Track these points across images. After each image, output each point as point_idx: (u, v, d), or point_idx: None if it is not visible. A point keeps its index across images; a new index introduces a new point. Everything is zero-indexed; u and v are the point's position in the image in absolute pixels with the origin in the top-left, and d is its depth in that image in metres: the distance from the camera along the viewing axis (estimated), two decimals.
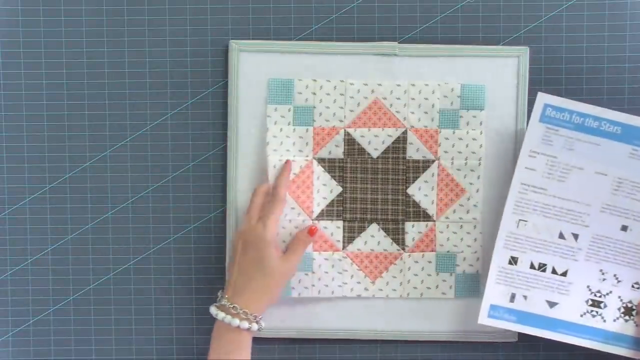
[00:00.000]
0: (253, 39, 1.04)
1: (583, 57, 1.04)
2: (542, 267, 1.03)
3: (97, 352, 1.08)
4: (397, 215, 1.06)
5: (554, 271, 1.03)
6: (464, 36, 1.04)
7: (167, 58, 1.05)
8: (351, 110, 1.04)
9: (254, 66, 1.04)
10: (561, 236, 1.02)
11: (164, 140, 1.06)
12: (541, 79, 1.04)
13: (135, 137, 1.06)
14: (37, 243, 1.07)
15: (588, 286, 1.03)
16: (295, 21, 1.04)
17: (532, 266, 1.03)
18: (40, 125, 1.05)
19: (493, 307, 1.03)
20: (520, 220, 1.02)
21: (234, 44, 1.04)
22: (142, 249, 1.07)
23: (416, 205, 1.05)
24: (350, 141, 1.05)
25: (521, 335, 1.06)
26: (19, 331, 1.08)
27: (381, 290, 1.07)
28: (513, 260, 1.03)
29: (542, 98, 1.00)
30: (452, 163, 1.04)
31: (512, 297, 1.03)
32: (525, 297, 1.03)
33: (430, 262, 1.06)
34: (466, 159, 1.04)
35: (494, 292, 1.03)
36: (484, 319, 1.03)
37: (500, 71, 1.04)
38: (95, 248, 1.07)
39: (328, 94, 1.04)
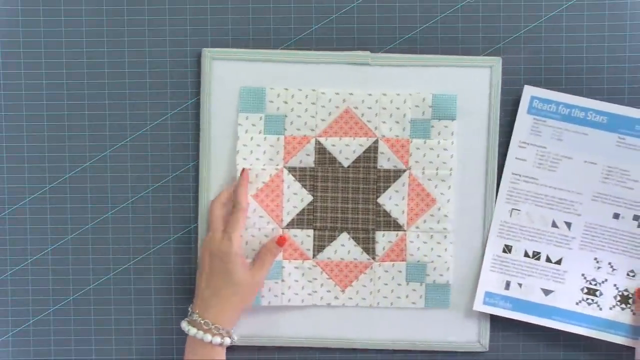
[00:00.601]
0: (253, 39, 1.04)
1: (583, 57, 1.04)
2: (536, 256, 1.04)
3: (97, 352, 1.08)
4: (368, 224, 1.05)
5: (548, 259, 1.04)
6: (464, 36, 1.04)
7: (167, 58, 1.05)
8: (322, 120, 1.04)
9: (226, 74, 1.04)
10: (554, 225, 1.04)
11: (164, 140, 1.06)
12: (541, 78, 1.04)
13: (135, 137, 1.06)
14: (37, 243, 1.07)
15: (583, 274, 1.04)
16: (296, 21, 1.04)
17: (526, 254, 1.04)
18: (40, 125, 1.05)
19: (488, 294, 1.05)
20: (513, 209, 1.04)
21: (206, 52, 1.03)
22: (142, 249, 1.07)
23: (387, 214, 1.05)
24: (321, 150, 1.05)
25: (492, 346, 1.07)
26: (19, 331, 1.08)
27: (351, 299, 1.06)
28: (507, 249, 1.05)
29: (529, 90, 1.03)
30: (423, 173, 1.04)
31: (507, 285, 1.05)
32: (520, 284, 1.05)
33: (400, 271, 1.06)
34: (437, 169, 1.04)
35: (489, 280, 1.05)
36: (479, 306, 1.05)
37: (472, 81, 1.04)
38: (95, 248, 1.07)
39: (300, 103, 1.04)
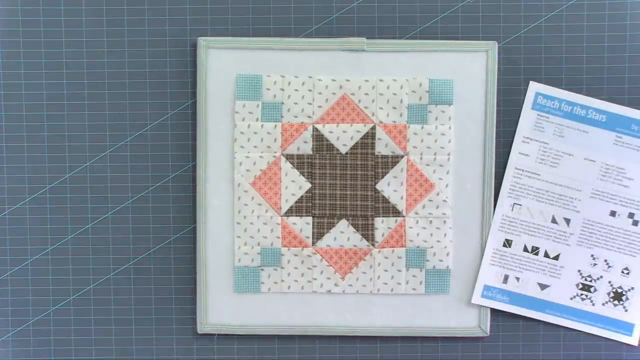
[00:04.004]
0: (253, 37, 1.04)
1: (583, 57, 1.04)
2: (535, 250, 1.05)
3: (97, 352, 1.08)
4: (367, 211, 1.06)
5: (546, 254, 1.05)
6: (464, 36, 1.04)
7: (167, 58, 1.05)
8: (319, 106, 1.04)
9: (222, 62, 1.04)
10: (554, 220, 1.05)
11: (164, 140, 1.06)
12: (541, 78, 1.04)
13: (135, 137, 1.06)
14: (37, 243, 1.07)
15: (579, 270, 1.05)
16: (296, 21, 1.04)
17: (525, 249, 1.05)
18: (40, 125, 1.05)
19: (487, 288, 1.06)
20: (515, 203, 1.05)
21: (202, 41, 1.03)
22: (142, 249, 1.07)
23: (385, 200, 1.05)
24: (318, 137, 1.05)
25: (492, 330, 1.07)
26: (19, 331, 1.08)
27: (351, 285, 1.07)
28: (507, 243, 1.06)
29: (534, 86, 1.04)
30: (421, 158, 1.05)
31: (506, 279, 1.06)
32: (517, 278, 1.06)
33: (400, 257, 1.06)
34: (435, 154, 1.04)
35: (488, 273, 1.06)
36: (477, 299, 1.06)
37: (468, 66, 1.04)
38: (95, 248, 1.07)
39: (296, 90, 1.04)
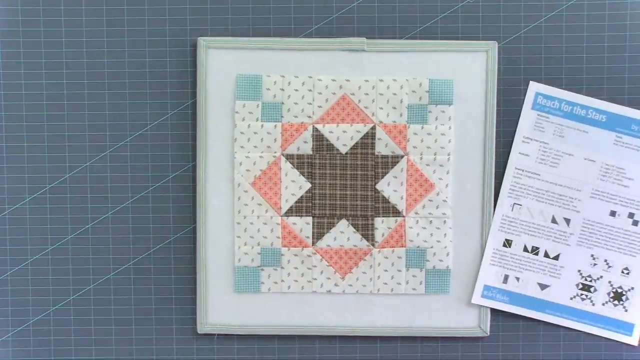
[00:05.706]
0: (253, 37, 1.04)
1: (583, 57, 1.04)
2: (535, 250, 1.06)
3: (97, 352, 1.08)
4: (367, 211, 1.06)
5: (546, 254, 1.06)
6: (464, 36, 1.04)
7: (167, 58, 1.05)
8: (319, 106, 1.04)
9: (222, 62, 1.04)
10: (554, 220, 1.05)
11: (164, 140, 1.06)
12: (541, 78, 1.04)
13: (135, 137, 1.06)
14: (37, 243, 1.07)
15: (579, 270, 1.06)
16: (296, 21, 1.04)
17: (525, 249, 1.05)
18: (40, 125, 1.05)
19: (487, 288, 1.06)
20: (515, 204, 1.05)
21: (202, 41, 1.03)
22: (142, 249, 1.07)
23: (385, 200, 1.05)
24: (318, 137, 1.05)
25: (492, 330, 1.07)
26: (19, 331, 1.08)
27: (351, 285, 1.07)
28: (507, 243, 1.06)
29: (534, 86, 1.04)
30: (421, 158, 1.05)
31: (506, 279, 1.06)
32: (518, 278, 1.06)
33: (400, 257, 1.06)
34: (435, 154, 1.04)
35: (488, 273, 1.06)
36: (477, 299, 1.06)
37: (468, 66, 1.04)
38: (95, 248, 1.07)
39: (296, 90, 1.04)
